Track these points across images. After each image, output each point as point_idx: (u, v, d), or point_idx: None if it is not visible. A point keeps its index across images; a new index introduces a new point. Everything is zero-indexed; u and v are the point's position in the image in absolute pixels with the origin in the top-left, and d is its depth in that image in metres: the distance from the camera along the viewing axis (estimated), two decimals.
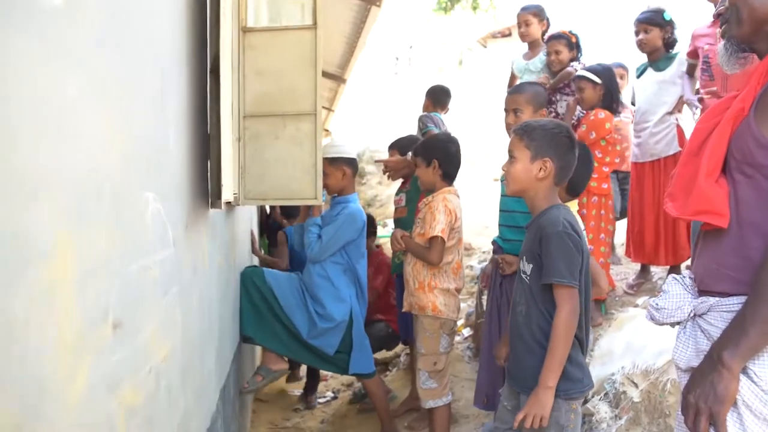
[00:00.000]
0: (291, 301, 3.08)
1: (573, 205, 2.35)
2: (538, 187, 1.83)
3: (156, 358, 1.19)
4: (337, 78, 8.11)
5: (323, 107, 9.46)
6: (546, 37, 3.85)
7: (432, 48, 20.34)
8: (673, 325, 1.35)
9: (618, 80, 3.92)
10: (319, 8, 2.85)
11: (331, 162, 3.12)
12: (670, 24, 3.43)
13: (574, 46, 3.72)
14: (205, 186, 1.71)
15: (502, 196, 2.66)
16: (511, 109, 2.65)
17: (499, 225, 2.66)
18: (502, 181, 2.67)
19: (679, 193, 1.32)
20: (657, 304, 1.31)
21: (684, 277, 1.35)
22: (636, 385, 2.70)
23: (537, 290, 1.78)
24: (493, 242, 2.74)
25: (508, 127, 2.63)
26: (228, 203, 2.89)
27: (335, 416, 4.00)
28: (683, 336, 1.30)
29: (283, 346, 3.09)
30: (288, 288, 3.10)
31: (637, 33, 3.46)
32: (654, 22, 3.41)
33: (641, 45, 3.47)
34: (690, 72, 3.33)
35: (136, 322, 1.06)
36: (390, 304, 3.93)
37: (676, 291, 1.32)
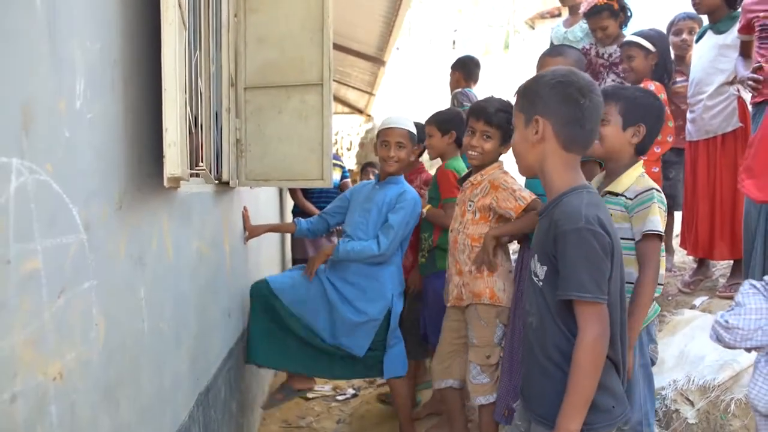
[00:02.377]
0: (309, 307, 2.75)
1: (638, 169, 1.88)
2: (542, 158, 1.46)
3: (33, 379, 0.90)
4: (376, 60, 7.73)
5: (367, 92, 9.22)
6: (582, 11, 3.37)
7: (477, 31, 19.72)
8: (749, 350, 0.96)
9: (685, 36, 3.42)
10: None
11: (411, 137, 2.79)
12: None
13: (619, 12, 3.24)
14: (160, 158, 1.40)
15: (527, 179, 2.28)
16: None
17: None
18: None
19: (759, 165, 0.93)
20: (728, 322, 0.94)
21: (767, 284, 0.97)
22: (691, 404, 2.28)
23: (553, 300, 1.37)
24: None
25: None
26: (225, 183, 2.64)
27: (353, 416, 3.72)
28: (765, 368, 0.91)
29: (302, 365, 2.80)
30: (304, 293, 2.76)
31: None
32: None
33: (696, 5, 2.97)
34: (744, 52, 2.79)
35: None
36: None
37: (755, 305, 0.94)
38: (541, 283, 1.39)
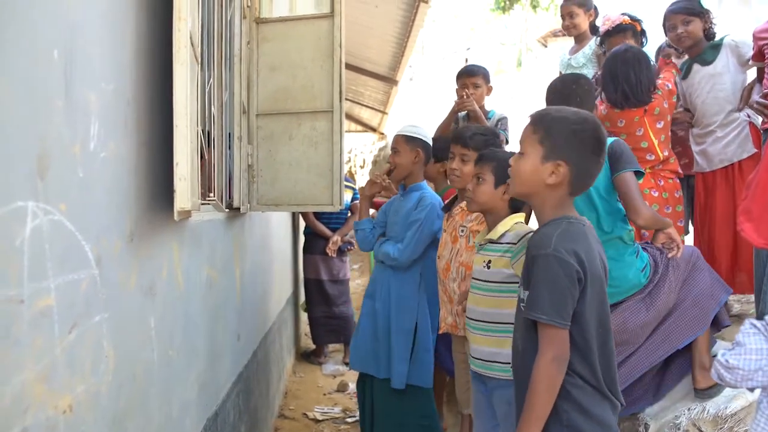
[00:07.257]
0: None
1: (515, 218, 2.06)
2: (546, 195, 1.43)
3: (43, 413, 0.92)
4: (388, 80, 7.85)
5: (380, 110, 9.31)
6: (603, 29, 3.36)
7: (490, 49, 19.83)
8: (752, 389, 0.97)
9: (674, 59, 3.44)
10: None
11: (407, 140, 2.82)
12: (708, 13, 2.96)
13: (640, 35, 3.26)
14: (171, 191, 1.44)
15: None
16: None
17: None
18: None
19: (759, 208, 0.94)
20: (729, 362, 0.94)
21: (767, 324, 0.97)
22: None
23: (532, 324, 1.42)
24: None
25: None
26: (236, 209, 2.68)
27: None
28: (767, 409, 0.92)
29: None
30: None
31: (673, 27, 2.97)
32: (694, 11, 2.93)
33: (681, 39, 2.97)
34: (761, 78, 2.80)
35: None
36: None
37: (755, 345, 0.94)
38: (524, 307, 1.44)
